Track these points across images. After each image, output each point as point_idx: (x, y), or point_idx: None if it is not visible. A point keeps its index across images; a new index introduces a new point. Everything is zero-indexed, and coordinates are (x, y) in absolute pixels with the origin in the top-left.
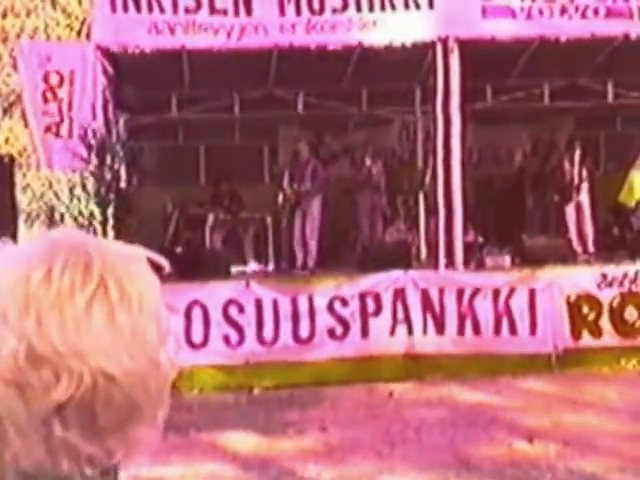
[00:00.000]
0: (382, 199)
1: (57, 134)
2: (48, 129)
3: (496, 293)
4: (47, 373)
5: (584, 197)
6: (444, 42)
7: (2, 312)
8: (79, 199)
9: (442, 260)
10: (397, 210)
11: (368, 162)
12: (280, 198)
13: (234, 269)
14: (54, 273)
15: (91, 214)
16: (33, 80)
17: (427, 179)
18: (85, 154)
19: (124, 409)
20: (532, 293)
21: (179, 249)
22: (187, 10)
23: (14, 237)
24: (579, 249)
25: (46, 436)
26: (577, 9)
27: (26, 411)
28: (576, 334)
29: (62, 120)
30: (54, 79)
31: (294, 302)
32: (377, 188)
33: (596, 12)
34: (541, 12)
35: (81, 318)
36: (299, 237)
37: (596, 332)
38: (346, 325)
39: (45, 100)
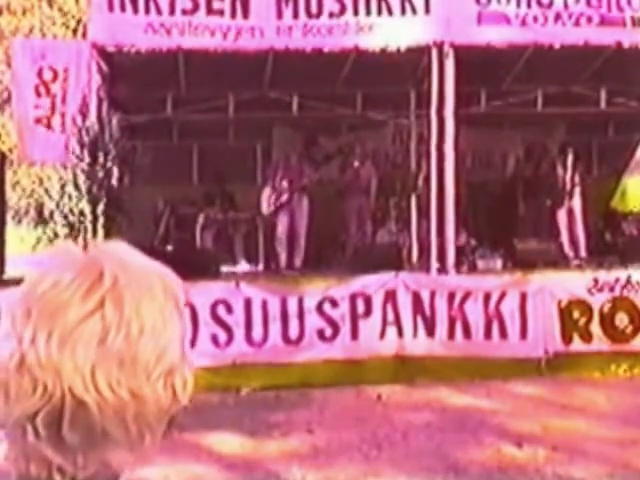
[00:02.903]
0: (373, 201)
1: (48, 127)
2: (39, 121)
3: (487, 296)
4: (27, 382)
5: (576, 202)
6: (439, 47)
7: (13, 315)
8: (70, 196)
9: (434, 263)
10: (389, 212)
11: (358, 164)
12: (272, 199)
13: (224, 269)
14: (60, 286)
15: (81, 212)
16: (26, 75)
17: (420, 182)
18: (77, 150)
19: (93, 433)
20: (523, 297)
21: (169, 248)
22: (184, 11)
23: (1, 234)
24: (571, 254)
25: (22, 439)
26: (571, 17)
27: (7, 411)
28: (567, 339)
29: (54, 114)
30: (48, 75)
31: (283, 303)
32: (368, 190)
33: (590, 20)
34: (536, 19)
35: (68, 335)
36: (289, 238)
37: (587, 337)
38: (336, 327)
39: (38, 94)
